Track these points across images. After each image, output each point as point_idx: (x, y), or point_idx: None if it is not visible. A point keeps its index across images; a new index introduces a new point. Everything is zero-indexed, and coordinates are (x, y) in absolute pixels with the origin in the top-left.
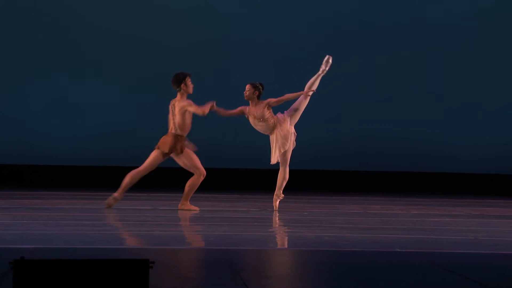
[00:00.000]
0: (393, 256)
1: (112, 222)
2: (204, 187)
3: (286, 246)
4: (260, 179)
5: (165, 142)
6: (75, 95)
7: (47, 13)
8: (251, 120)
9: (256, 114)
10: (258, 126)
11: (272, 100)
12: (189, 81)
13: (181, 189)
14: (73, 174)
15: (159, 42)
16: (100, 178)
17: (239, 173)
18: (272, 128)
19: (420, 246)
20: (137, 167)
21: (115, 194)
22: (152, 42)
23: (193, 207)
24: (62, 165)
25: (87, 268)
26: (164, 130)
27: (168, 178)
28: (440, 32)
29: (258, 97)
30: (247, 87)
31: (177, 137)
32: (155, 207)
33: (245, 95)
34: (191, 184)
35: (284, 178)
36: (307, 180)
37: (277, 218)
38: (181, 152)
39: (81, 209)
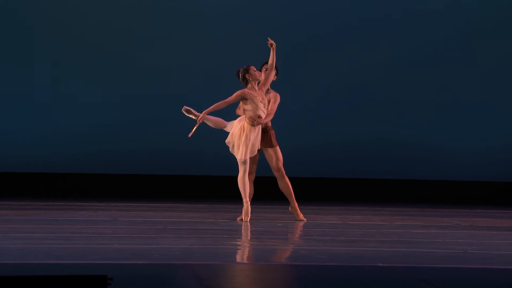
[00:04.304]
0: (375, 272)
1: (66, 235)
2: (170, 196)
3: (258, 261)
4: (229, 187)
5: None
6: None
7: None
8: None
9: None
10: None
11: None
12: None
13: (142, 197)
14: (19, 181)
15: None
16: (49, 185)
17: (207, 181)
18: None
19: (405, 261)
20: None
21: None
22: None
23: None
24: (7, 171)
25: (40, 285)
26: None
27: (128, 186)
28: (439, 32)
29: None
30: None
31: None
32: (114, 218)
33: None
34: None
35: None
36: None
37: (248, 230)
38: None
39: (31, 221)
